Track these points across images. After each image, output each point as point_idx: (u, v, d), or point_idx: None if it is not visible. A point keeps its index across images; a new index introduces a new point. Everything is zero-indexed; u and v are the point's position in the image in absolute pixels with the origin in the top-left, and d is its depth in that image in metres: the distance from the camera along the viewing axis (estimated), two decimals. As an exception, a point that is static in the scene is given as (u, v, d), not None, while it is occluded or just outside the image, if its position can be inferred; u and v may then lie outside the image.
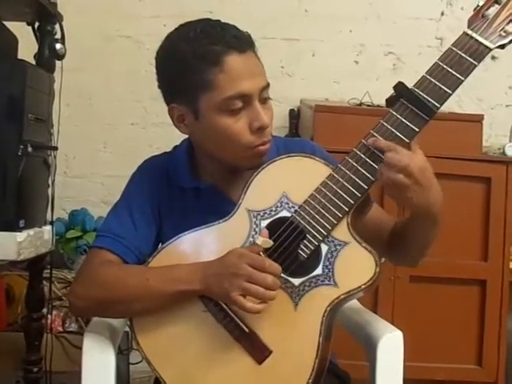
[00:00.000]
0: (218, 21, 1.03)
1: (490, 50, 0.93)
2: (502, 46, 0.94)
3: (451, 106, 2.22)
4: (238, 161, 1.04)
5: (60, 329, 1.87)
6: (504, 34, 0.93)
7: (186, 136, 1.12)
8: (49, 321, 1.73)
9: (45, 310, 1.64)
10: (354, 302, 1.24)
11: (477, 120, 2.02)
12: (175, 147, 1.16)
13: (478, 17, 0.94)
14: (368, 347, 1.09)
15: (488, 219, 1.96)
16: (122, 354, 1.83)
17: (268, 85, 1.03)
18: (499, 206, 1.96)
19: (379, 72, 2.35)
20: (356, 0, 2.36)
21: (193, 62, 0.98)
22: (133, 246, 1.05)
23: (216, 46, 0.98)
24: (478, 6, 0.95)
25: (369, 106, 2.08)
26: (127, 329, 1.49)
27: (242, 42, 1.00)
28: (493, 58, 2.33)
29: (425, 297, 1.94)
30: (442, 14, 2.36)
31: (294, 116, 2.25)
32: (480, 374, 1.97)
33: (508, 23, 0.93)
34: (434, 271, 1.91)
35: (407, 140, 0.93)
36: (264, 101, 1.02)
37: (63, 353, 1.79)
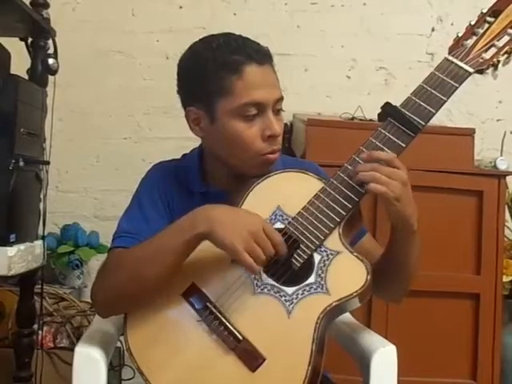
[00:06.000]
0: (240, 35, 1.10)
1: (470, 73, 1.01)
2: (481, 71, 1.02)
3: (442, 120, 2.24)
4: (246, 167, 1.08)
5: (51, 345, 1.85)
6: (481, 61, 1.01)
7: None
8: (39, 337, 1.71)
9: (36, 326, 1.63)
10: (347, 316, 1.24)
11: (468, 134, 2.02)
12: (184, 155, 1.20)
13: (457, 45, 1.04)
14: (361, 362, 1.09)
15: (480, 232, 1.96)
16: (114, 370, 1.82)
17: (282, 98, 1.09)
18: (491, 220, 1.96)
19: (371, 87, 2.36)
20: (347, 16, 2.38)
21: (214, 68, 1.04)
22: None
23: (236, 55, 1.04)
24: (457, 36, 1.04)
25: (361, 120, 2.08)
26: (119, 344, 1.48)
27: (262, 55, 1.07)
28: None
29: (418, 311, 1.93)
30: (433, 29, 2.39)
31: (287, 131, 2.24)
32: (474, 389, 1.96)
33: (485, 51, 1.01)
34: (427, 285, 1.90)
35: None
36: (277, 112, 1.08)
37: (54, 369, 1.78)
